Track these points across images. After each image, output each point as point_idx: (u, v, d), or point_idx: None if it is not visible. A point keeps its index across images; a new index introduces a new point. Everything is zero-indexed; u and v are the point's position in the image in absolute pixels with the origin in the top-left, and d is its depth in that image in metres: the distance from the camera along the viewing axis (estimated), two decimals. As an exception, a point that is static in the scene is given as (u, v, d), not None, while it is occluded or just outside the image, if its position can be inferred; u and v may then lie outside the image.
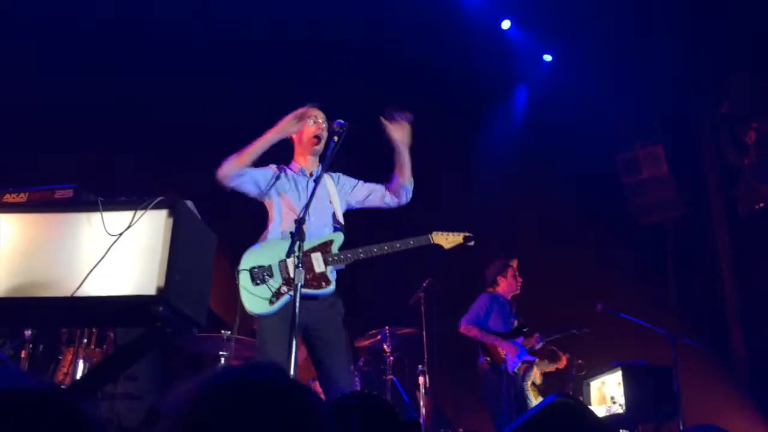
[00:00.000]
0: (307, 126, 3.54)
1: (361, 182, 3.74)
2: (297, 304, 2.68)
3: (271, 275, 3.23)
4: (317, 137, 3.54)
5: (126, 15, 5.93)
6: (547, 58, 7.99)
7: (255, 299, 3.21)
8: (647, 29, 6.83)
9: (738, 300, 7.15)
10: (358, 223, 3.77)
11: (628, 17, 6.75)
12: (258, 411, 0.84)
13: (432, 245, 3.56)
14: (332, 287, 3.30)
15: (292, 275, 3.11)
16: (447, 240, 3.57)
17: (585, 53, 7.29)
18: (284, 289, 3.22)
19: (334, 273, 3.38)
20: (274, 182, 3.48)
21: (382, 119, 3.48)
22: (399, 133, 3.50)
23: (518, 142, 8.05)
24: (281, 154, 3.67)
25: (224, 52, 6.20)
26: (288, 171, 3.58)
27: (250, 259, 3.32)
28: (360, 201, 3.70)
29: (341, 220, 3.53)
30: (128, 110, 5.97)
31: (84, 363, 4.38)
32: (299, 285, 2.70)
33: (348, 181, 3.72)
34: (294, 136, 3.57)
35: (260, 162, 3.53)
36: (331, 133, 3.29)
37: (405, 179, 3.59)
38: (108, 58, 5.89)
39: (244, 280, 3.24)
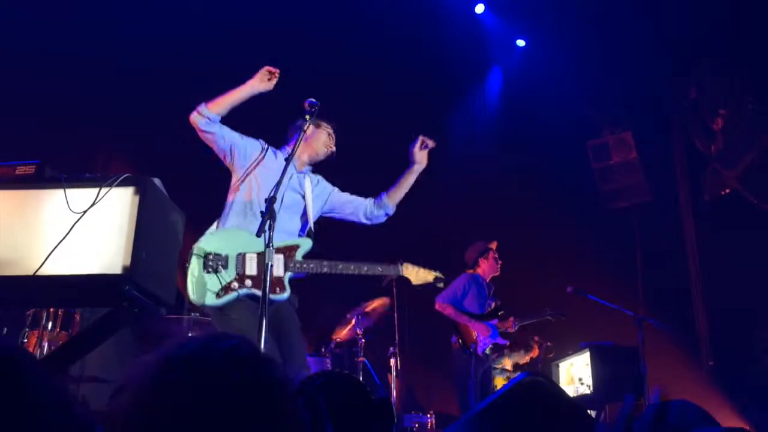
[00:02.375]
0: (323, 134, 3.48)
1: (338, 189, 3.61)
2: (268, 284, 2.64)
3: (225, 266, 3.01)
4: (325, 154, 3.49)
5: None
6: (521, 43, 8.00)
7: (201, 288, 2.98)
8: (618, 16, 6.88)
9: (702, 284, 7.31)
10: (323, 227, 3.57)
11: (599, 5, 6.78)
12: (220, 381, 0.82)
13: (401, 277, 3.39)
14: (287, 294, 3.09)
15: (247, 272, 3.00)
16: (417, 275, 3.41)
17: (557, 39, 7.33)
18: (235, 285, 3.01)
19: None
20: (260, 157, 3.35)
21: (421, 138, 3.49)
22: (421, 156, 3.49)
23: (490, 127, 8.09)
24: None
25: (199, 34, 6.06)
26: (278, 153, 3.45)
27: (208, 243, 3.10)
28: (336, 208, 3.57)
29: (311, 221, 3.36)
30: (94, 86, 5.82)
31: (49, 347, 4.29)
32: (270, 264, 2.65)
33: (327, 185, 3.60)
34: (307, 134, 3.38)
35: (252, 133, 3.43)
36: (302, 111, 3.20)
37: (394, 200, 3.55)
38: (78, 32, 5.73)
39: (195, 264, 3.02)
